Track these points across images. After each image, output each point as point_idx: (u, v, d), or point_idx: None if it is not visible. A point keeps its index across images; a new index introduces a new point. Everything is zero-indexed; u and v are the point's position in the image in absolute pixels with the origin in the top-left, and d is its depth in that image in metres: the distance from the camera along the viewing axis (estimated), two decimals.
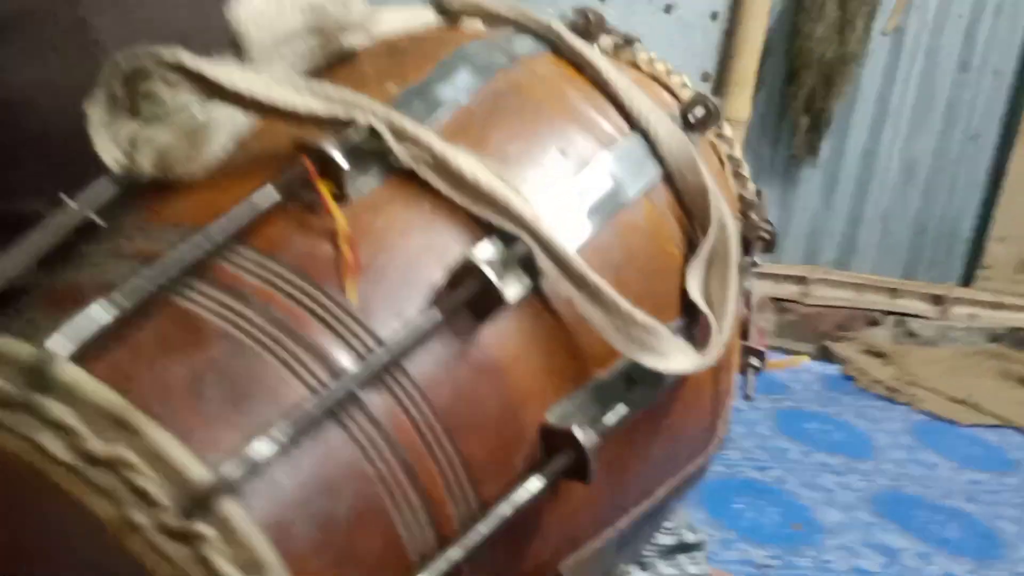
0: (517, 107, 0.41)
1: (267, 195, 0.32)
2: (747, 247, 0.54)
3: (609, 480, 0.38)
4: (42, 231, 0.34)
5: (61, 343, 0.26)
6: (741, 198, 0.62)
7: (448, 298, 0.33)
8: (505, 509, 0.31)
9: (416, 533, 0.30)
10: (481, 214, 0.35)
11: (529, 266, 0.35)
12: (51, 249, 0.33)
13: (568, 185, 0.39)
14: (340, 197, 0.34)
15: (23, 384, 0.26)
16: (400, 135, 0.35)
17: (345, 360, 0.30)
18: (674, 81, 0.62)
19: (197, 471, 0.25)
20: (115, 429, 0.25)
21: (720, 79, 1.85)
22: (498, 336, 0.34)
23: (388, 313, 0.32)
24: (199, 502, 0.25)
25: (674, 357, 0.38)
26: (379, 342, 0.31)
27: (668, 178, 0.44)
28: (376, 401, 0.30)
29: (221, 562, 0.24)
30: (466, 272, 0.33)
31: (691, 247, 0.44)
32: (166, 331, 0.29)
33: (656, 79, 0.62)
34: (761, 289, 1.42)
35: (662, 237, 0.43)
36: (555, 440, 0.34)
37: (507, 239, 0.35)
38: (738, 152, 0.63)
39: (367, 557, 0.29)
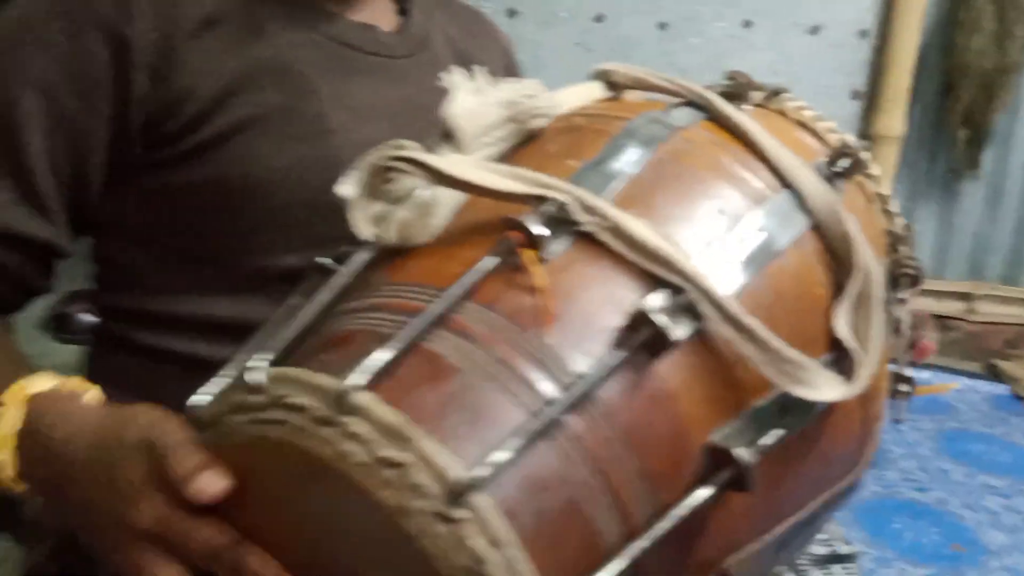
0: (677, 174, 0.49)
1: (487, 263, 0.41)
2: (896, 281, 0.59)
3: (765, 494, 0.44)
4: (323, 290, 0.44)
5: (357, 378, 0.36)
6: (889, 233, 0.67)
7: (627, 340, 0.40)
8: (680, 511, 0.39)
9: (608, 528, 0.38)
10: (651, 269, 0.43)
11: (693, 312, 0.42)
12: (329, 306, 0.43)
13: (724, 240, 0.46)
14: (539, 260, 0.42)
15: (329, 407, 0.36)
16: (587, 207, 0.44)
17: (550, 390, 0.39)
18: (821, 127, 0.68)
19: (456, 471, 0.34)
20: (396, 440, 0.35)
21: (872, 96, 1.83)
22: (668, 371, 0.42)
23: (579, 352, 0.40)
24: (457, 494, 0.34)
25: (822, 388, 0.44)
26: (576, 376, 0.39)
27: (816, 227, 0.50)
28: (575, 422, 0.38)
29: (475, 538, 0.33)
30: (641, 319, 0.41)
31: (838, 288, 0.49)
32: (420, 368, 0.38)
33: (804, 125, 0.68)
34: (923, 306, 1.43)
35: (810, 281, 0.49)
36: (719, 458, 0.41)
37: (674, 289, 0.42)
38: (885, 189, 0.68)
39: (572, 542, 0.37)
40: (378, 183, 0.47)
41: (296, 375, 0.38)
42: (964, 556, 1.06)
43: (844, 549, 0.70)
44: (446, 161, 0.46)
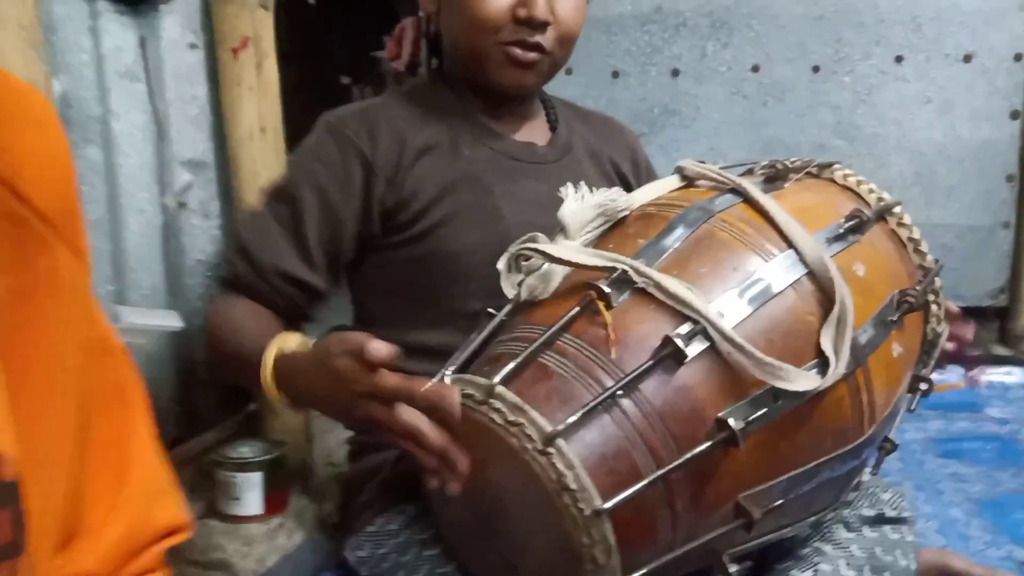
0: (708, 245, 0.74)
1: (576, 310, 0.70)
2: (898, 306, 0.79)
3: (764, 451, 0.68)
4: (487, 328, 0.74)
5: (500, 378, 0.65)
6: (921, 268, 0.87)
7: (659, 353, 0.67)
8: (692, 453, 0.65)
9: (645, 465, 0.65)
10: (679, 309, 0.69)
11: (706, 335, 0.68)
12: (490, 337, 0.74)
13: (736, 288, 0.71)
14: (608, 306, 0.70)
15: (483, 395, 0.66)
16: (638, 272, 0.71)
17: (609, 381, 0.66)
18: (863, 189, 0.90)
19: (547, 428, 0.63)
20: (517, 411, 0.64)
21: None
22: (688, 372, 0.67)
23: (631, 361, 0.67)
24: (548, 440, 0.62)
25: (797, 381, 0.68)
26: (626, 373, 0.66)
27: (811, 274, 0.74)
28: (625, 403, 0.66)
29: (558, 463, 0.62)
30: (668, 341, 0.67)
31: (826, 315, 0.72)
32: (534, 372, 0.68)
33: (849, 188, 0.90)
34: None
35: (803, 311, 0.72)
36: (721, 426, 0.66)
37: (692, 322, 0.68)
38: (916, 234, 0.88)
39: (620, 471, 0.64)
40: (518, 262, 0.77)
41: (468, 377, 0.68)
42: None
43: (890, 513, 0.89)
44: (556, 247, 0.75)
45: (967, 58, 1.87)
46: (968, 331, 0.93)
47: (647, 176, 1.09)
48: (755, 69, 1.96)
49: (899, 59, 1.90)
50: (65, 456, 0.40)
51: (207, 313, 0.93)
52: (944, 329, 0.89)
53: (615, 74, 2.00)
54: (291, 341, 0.80)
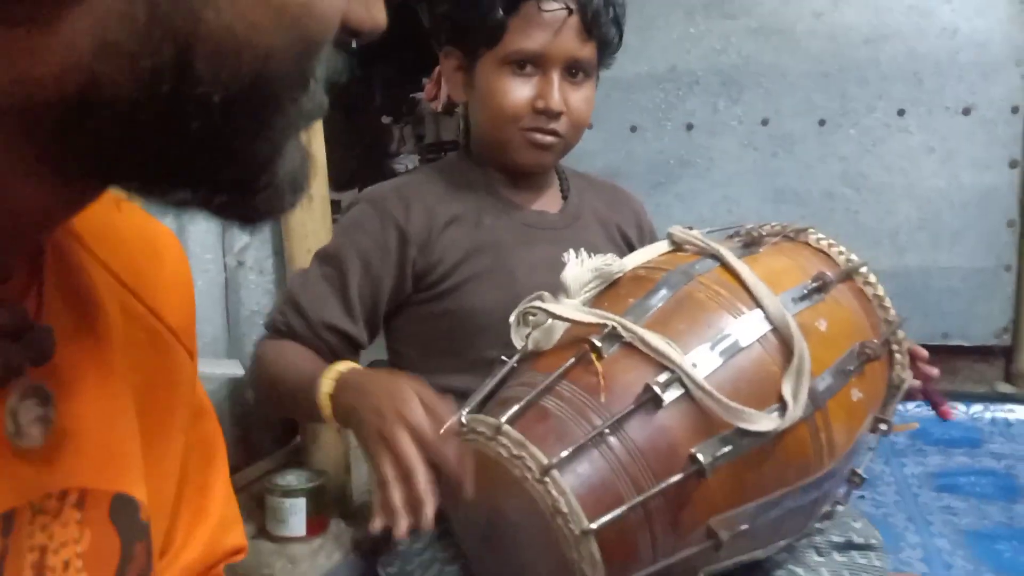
0: (687, 305, 0.87)
1: (572, 360, 0.83)
2: (858, 356, 0.91)
3: (732, 480, 0.80)
4: (499, 374, 0.88)
5: (506, 417, 0.79)
6: (886, 321, 0.99)
7: (640, 399, 0.80)
8: (668, 483, 0.77)
9: (627, 492, 0.77)
10: (659, 360, 0.81)
11: (681, 383, 0.80)
12: (501, 382, 0.87)
13: (709, 342, 0.84)
14: (600, 357, 0.83)
15: (492, 432, 0.79)
16: (626, 328, 0.84)
17: (598, 421, 0.79)
18: (833, 252, 1.02)
19: (544, 460, 0.76)
20: (520, 447, 0.77)
21: None
22: (666, 414, 0.80)
23: (618, 404, 0.80)
24: (544, 471, 0.75)
25: (758, 423, 0.80)
26: (612, 415, 0.79)
27: (775, 330, 0.86)
28: (611, 439, 0.78)
29: (554, 492, 0.75)
30: (648, 388, 0.80)
31: (787, 365, 0.84)
32: (535, 414, 0.81)
33: (821, 251, 1.03)
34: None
35: (767, 362, 0.84)
36: (692, 459, 0.78)
37: (671, 371, 0.81)
38: (881, 291, 1.00)
39: (605, 498, 0.77)
40: (526, 318, 0.90)
41: (481, 417, 0.81)
42: None
43: (858, 540, 0.99)
44: (557, 306, 0.88)
45: (967, 111, 1.98)
46: (932, 370, 1.04)
47: (650, 239, 1.22)
48: (765, 123, 2.09)
49: (902, 112, 2.02)
50: (169, 500, 0.53)
51: (256, 354, 1.07)
52: (908, 375, 1.00)
53: (633, 128, 2.14)
54: (344, 365, 0.92)
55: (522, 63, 1.05)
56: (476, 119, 1.12)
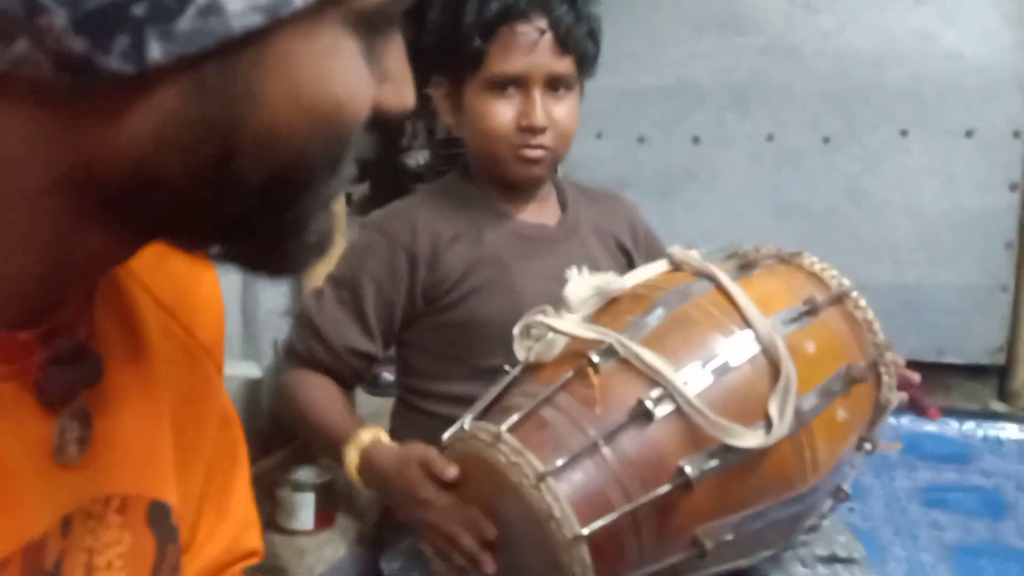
0: (682, 324, 0.92)
1: (571, 373, 0.87)
2: (844, 377, 0.95)
3: (717, 492, 0.85)
4: (502, 383, 0.93)
5: (505, 426, 0.84)
6: (875, 344, 1.03)
7: (633, 412, 0.84)
8: (656, 493, 0.82)
9: (617, 500, 0.82)
10: (652, 376, 0.86)
11: (672, 399, 0.85)
12: (504, 391, 0.92)
13: (700, 360, 0.88)
14: (597, 371, 0.88)
15: (492, 439, 0.84)
16: (623, 345, 0.88)
17: (594, 434, 0.84)
18: (826, 275, 1.07)
19: (540, 468, 0.81)
20: (517, 454, 0.82)
21: None
22: (657, 428, 0.85)
23: (612, 417, 0.85)
24: (540, 478, 0.80)
25: (744, 438, 0.84)
26: (606, 427, 0.84)
27: (764, 351, 0.90)
28: (604, 450, 0.83)
29: (546, 496, 0.79)
30: (640, 403, 0.84)
31: (774, 385, 0.89)
32: (533, 423, 0.86)
33: (814, 274, 1.07)
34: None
35: (755, 381, 0.89)
36: (680, 471, 0.83)
37: (663, 388, 0.85)
38: (871, 315, 1.04)
39: (596, 505, 0.82)
40: (529, 330, 0.95)
41: (483, 424, 0.86)
42: None
43: (842, 553, 1.04)
44: (559, 321, 0.93)
45: (968, 133, 2.01)
46: (914, 375, 1.08)
47: (646, 241, 1.27)
48: (770, 138, 2.13)
49: (905, 133, 2.06)
50: (195, 501, 0.58)
51: (282, 384, 1.15)
52: (895, 396, 1.05)
53: (641, 139, 2.18)
54: (366, 436, 1.03)
55: (504, 85, 1.10)
56: (468, 140, 1.18)
